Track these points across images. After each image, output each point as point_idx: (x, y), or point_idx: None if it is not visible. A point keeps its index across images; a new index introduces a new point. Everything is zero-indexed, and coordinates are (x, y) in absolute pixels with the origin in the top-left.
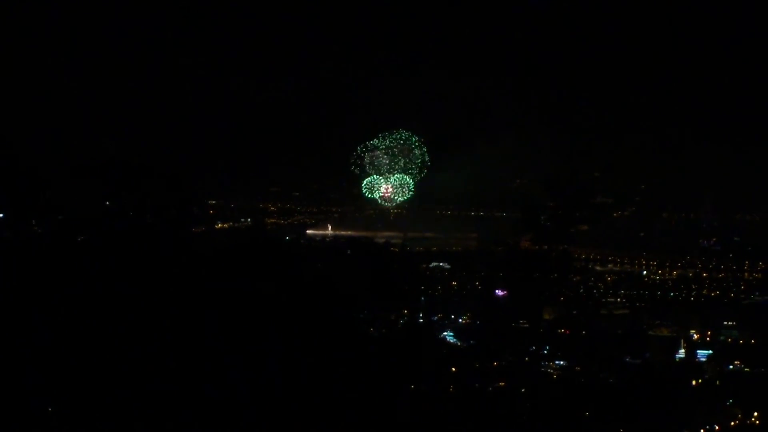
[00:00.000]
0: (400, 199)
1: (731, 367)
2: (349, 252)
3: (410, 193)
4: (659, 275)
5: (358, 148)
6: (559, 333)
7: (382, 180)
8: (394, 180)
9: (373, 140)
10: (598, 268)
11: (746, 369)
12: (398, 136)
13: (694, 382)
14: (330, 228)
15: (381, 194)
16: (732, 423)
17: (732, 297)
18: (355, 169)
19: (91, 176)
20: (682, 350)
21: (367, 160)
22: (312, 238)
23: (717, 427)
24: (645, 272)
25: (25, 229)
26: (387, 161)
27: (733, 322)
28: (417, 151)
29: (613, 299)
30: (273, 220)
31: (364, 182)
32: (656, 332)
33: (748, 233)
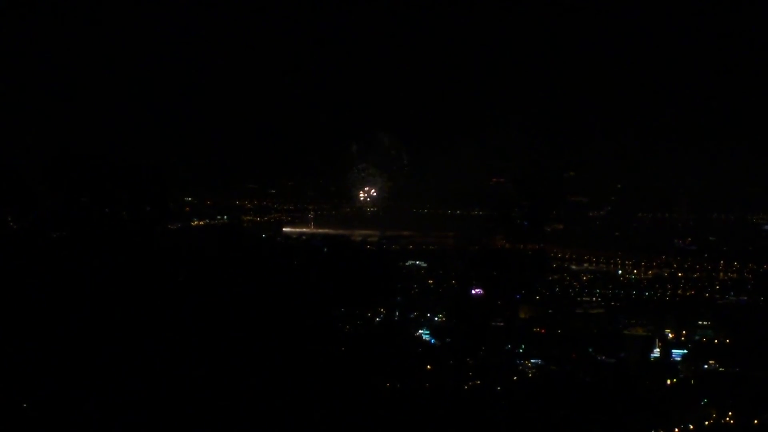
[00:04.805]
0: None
1: (706, 366)
2: (325, 250)
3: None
4: (634, 275)
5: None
6: (535, 332)
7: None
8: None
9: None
10: (573, 267)
11: (721, 369)
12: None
13: (668, 382)
14: (312, 224)
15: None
16: (707, 422)
17: (707, 297)
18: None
19: (67, 172)
20: (657, 350)
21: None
22: (288, 235)
23: (692, 427)
24: (620, 271)
25: (0, 225)
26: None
27: (708, 321)
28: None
29: (588, 298)
30: (249, 218)
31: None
32: (631, 332)
33: (723, 233)
